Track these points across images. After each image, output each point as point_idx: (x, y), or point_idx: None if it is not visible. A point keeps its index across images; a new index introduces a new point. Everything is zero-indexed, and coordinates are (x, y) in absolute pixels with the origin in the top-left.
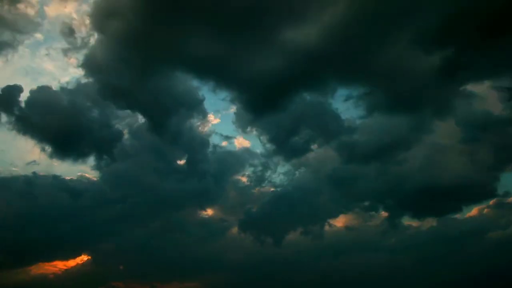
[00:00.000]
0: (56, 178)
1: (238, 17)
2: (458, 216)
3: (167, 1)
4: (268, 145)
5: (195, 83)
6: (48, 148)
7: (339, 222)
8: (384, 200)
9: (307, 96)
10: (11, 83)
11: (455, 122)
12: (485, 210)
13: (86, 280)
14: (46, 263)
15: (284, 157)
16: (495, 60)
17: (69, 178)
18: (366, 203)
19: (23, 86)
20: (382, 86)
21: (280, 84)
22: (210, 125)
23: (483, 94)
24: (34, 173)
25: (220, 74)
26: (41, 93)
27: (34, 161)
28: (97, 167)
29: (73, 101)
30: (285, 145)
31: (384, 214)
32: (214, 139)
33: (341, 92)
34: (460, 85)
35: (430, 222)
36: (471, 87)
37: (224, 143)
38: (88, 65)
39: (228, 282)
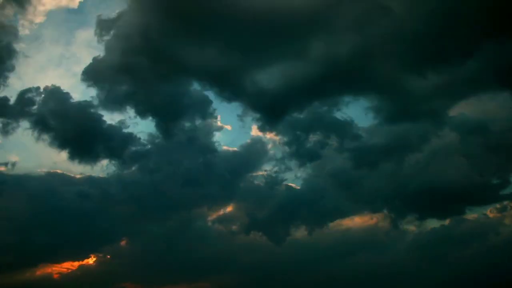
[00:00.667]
0: (69, 180)
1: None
2: (466, 217)
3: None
4: (283, 148)
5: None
6: (63, 151)
7: (350, 223)
8: (393, 202)
9: (321, 105)
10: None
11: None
12: (493, 212)
13: (93, 281)
14: (54, 264)
15: (298, 160)
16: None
17: (80, 177)
18: (374, 205)
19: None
20: (391, 98)
21: (295, 93)
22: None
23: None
24: (47, 173)
25: (234, 83)
26: (54, 96)
27: (53, 163)
28: (111, 169)
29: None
30: (299, 149)
31: (391, 215)
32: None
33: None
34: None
35: (438, 223)
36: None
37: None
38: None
39: (239, 282)
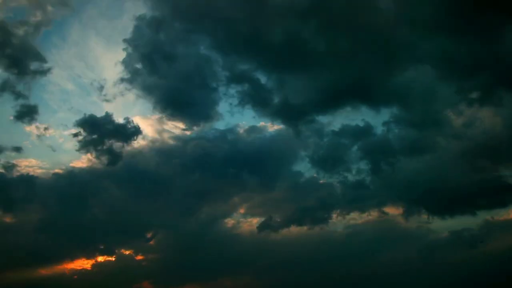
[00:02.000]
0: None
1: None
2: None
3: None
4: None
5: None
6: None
7: (363, 223)
8: (410, 201)
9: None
10: None
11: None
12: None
13: (111, 280)
14: (69, 262)
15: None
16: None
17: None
18: (386, 207)
19: None
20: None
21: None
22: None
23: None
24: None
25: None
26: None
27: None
28: None
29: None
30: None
31: (410, 213)
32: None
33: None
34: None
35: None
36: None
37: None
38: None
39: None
